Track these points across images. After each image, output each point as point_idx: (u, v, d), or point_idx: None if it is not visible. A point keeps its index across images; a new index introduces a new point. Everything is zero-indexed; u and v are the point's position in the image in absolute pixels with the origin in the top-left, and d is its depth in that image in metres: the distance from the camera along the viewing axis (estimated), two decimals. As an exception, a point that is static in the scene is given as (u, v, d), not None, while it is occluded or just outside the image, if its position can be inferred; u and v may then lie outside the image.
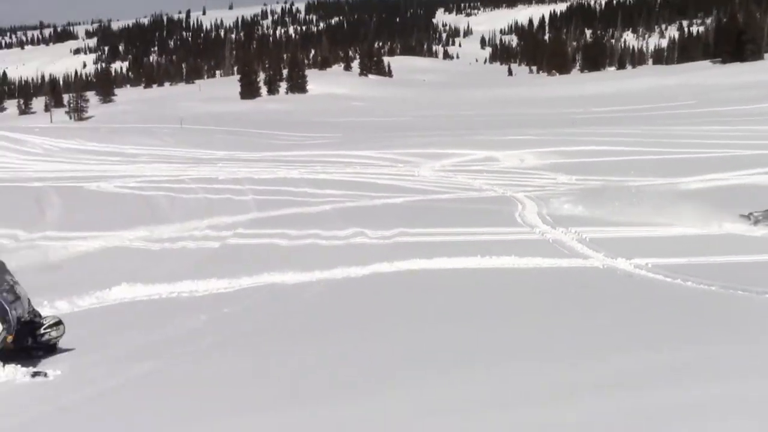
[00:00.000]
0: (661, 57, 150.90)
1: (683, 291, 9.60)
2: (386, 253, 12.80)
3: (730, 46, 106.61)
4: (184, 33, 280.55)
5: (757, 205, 15.02)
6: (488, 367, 6.55)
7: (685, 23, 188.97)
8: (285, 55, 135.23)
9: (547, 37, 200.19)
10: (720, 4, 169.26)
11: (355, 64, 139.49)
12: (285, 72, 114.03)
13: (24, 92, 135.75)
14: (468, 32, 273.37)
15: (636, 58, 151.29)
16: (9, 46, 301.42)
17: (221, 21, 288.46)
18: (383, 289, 10.51)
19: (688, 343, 7.10)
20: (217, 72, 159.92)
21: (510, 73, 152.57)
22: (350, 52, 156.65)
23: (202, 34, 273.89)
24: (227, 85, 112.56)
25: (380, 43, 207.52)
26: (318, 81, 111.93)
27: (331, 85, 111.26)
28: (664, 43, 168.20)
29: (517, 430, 5.02)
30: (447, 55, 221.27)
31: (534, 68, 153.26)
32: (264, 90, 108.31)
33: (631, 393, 5.58)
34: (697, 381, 5.82)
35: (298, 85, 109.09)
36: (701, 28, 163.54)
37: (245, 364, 7.09)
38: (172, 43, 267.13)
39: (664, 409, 5.12)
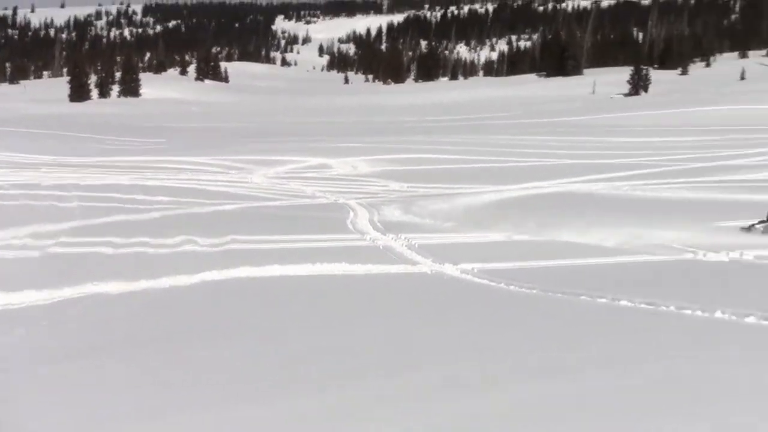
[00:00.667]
0: (491, 69, 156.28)
1: (507, 294, 9.81)
2: (216, 261, 12.45)
3: (554, 61, 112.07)
4: (9, 30, 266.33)
5: (573, 210, 15.73)
6: (326, 378, 6.45)
7: (513, 38, 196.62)
8: (119, 58, 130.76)
9: (384, 46, 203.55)
10: (545, 23, 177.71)
11: (192, 69, 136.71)
12: (118, 75, 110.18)
13: None
14: (307, 40, 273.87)
15: (468, 70, 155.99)
16: None
17: (51, 20, 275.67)
18: (212, 299, 10.17)
19: (516, 346, 7.22)
20: (45, 73, 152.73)
21: (347, 81, 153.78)
22: (187, 57, 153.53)
23: (29, 33, 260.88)
24: (55, 86, 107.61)
25: (218, 49, 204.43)
26: (152, 85, 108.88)
27: (166, 89, 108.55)
28: (495, 56, 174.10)
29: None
30: (285, 62, 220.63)
31: (370, 77, 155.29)
32: (95, 93, 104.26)
33: (467, 395, 5.61)
34: (535, 381, 5.91)
35: (131, 89, 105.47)
36: (528, 44, 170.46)
37: (60, 381, 6.73)
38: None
39: (497, 411, 5.17)
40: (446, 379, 6.23)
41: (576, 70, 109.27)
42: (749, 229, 14.48)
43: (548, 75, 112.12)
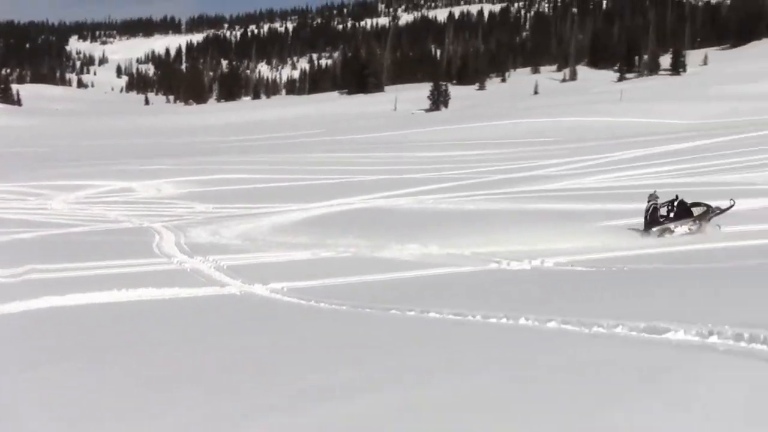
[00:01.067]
0: (293, 87, 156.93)
1: (317, 312, 9.82)
2: (15, 292, 11.75)
3: (355, 78, 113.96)
4: None
5: (379, 225, 16.03)
6: (135, 409, 6.19)
7: (314, 56, 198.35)
8: None
9: (184, 66, 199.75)
10: (345, 40, 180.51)
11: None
12: None
13: None
14: (103, 60, 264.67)
15: (270, 89, 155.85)
16: None
17: None
18: (12, 331, 9.58)
19: (325, 363, 7.21)
20: None
21: (147, 102, 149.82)
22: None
23: None
24: None
25: (8, 70, 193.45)
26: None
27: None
28: (296, 74, 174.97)
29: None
30: (81, 84, 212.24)
31: (171, 98, 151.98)
32: None
33: (285, 415, 5.54)
34: (345, 397, 5.91)
35: None
36: (329, 62, 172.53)
37: None
38: None
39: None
40: (258, 403, 6.15)
41: (377, 87, 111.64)
42: (647, 231, 15.25)
43: (350, 92, 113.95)
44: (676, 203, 15.50)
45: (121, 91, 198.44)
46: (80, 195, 27.25)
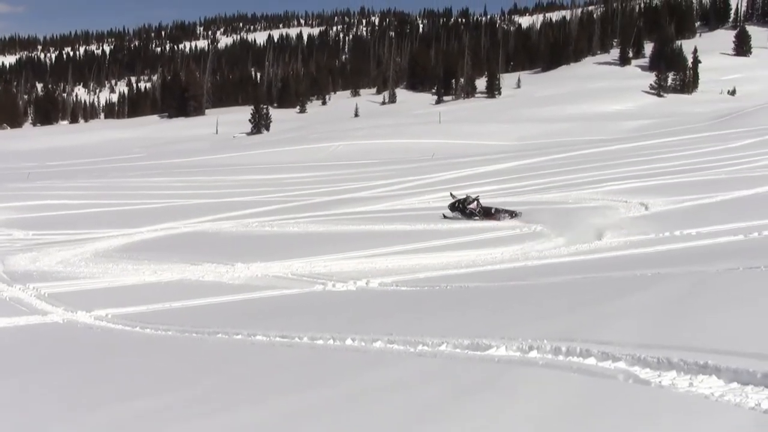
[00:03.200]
0: (112, 111, 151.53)
1: (143, 338, 9.66)
2: None
3: (176, 101, 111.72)
4: None
5: (203, 250, 15.93)
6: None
7: (133, 79, 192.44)
8: None
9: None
10: (164, 63, 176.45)
11: None
12: None
13: None
14: None
15: (88, 112, 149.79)
16: None
17: None
18: None
19: (148, 390, 7.09)
20: None
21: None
22: None
23: None
24: None
25: None
26: None
27: None
28: (115, 97, 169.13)
29: None
30: None
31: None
32: None
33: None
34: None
35: None
36: (149, 85, 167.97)
37: None
38: None
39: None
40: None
41: (198, 111, 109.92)
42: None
43: (170, 116, 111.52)
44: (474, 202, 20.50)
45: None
46: None
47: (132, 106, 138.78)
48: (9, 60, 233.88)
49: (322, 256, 15.32)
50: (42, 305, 12.23)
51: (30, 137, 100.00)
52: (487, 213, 20.21)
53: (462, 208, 20.40)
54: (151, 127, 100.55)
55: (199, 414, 5.86)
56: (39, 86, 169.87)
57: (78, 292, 13.29)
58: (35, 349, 9.58)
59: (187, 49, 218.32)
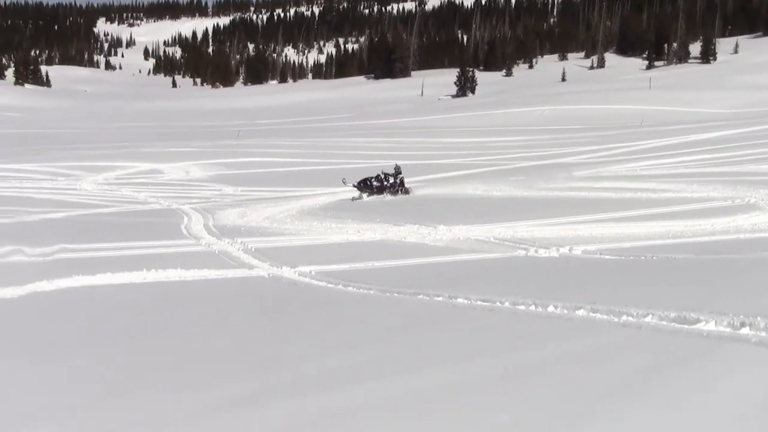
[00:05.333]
0: (320, 71, 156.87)
1: (345, 296, 9.86)
2: (46, 271, 11.94)
3: (382, 63, 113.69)
4: None
5: (409, 211, 16.04)
6: (163, 383, 6.26)
7: (341, 41, 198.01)
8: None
9: (210, 49, 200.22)
10: (372, 25, 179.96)
11: (10, 72, 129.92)
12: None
13: None
14: (131, 43, 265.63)
15: (296, 73, 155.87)
16: None
17: None
18: (43, 310, 9.72)
19: (353, 344, 7.26)
20: None
21: (174, 84, 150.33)
22: (4, 60, 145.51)
23: None
24: None
25: (37, 52, 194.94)
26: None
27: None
28: (323, 58, 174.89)
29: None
30: (109, 66, 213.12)
31: (198, 80, 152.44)
32: None
33: (309, 397, 5.58)
34: (368, 381, 5.94)
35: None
36: (356, 46, 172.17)
37: None
38: None
39: (338, 410, 5.17)
40: (271, 386, 6.18)
41: (404, 72, 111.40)
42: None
43: (376, 77, 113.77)
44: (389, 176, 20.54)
45: (149, 73, 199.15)
46: (109, 176, 27.51)
47: (339, 67, 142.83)
48: (223, 21, 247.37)
49: (525, 221, 15.14)
50: (249, 259, 12.77)
51: (241, 96, 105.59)
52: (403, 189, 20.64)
53: (380, 184, 20.28)
54: (357, 88, 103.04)
55: (390, 373, 5.87)
56: (250, 47, 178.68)
57: (283, 248, 13.77)
58: (242, 300, 10.00)
59: (395, 11, 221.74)
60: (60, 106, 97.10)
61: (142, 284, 11.11)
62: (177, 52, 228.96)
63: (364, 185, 20.19)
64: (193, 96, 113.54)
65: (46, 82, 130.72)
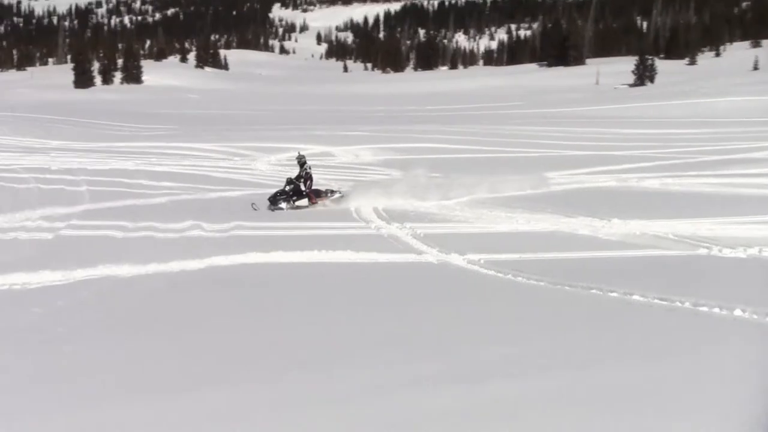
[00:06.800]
0: (491, 58, 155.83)
1: (514, 286, 9.82)
2: (222, 247, 12.60)
3: (555, 50, 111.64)
4: (14, 18, 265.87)
5: (580, 203, 15.76)
6: (341, 360, 6.52)
7: (513, 27, 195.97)
8: (120, 45, 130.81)
9: (381, 35, 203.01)
10: (545, 11, 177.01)
11: (192, 56, 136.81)
12: (120, 62, 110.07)
13: None
14: (304, 28, 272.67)
15: (467, 59, 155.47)
16: None
17: (54, 8, 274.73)
18: (220, 283, 10.33)
19: (521, 337, 7.25)
20: (50, 60, 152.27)
21: (346, 69, 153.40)
22: (186, 44, 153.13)
23: (33, 20, 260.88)
24: (60, 73, 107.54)
25: (217, 36, 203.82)
26: (154, 72, 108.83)
27: (166, 76, 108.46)
28: (494, 45, 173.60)
29: (380, 422, 4.96)
30: (283, 50, 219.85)
31: (369, 65, 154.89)
32: (98, 79, 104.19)
33: (472, 385, 5.64)
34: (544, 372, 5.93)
35: (133, 76, 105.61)
36: (528, 33, 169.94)
37: (79, 359, 6.87)
38: (2, 28, 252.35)
39: (510, 399, 5.19)
40: (444, 371, 6.23)
41: (578, 60, 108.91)
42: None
43: (549, 65, 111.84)
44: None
45: (321, 57, 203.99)
46: (282, 157, 28.46)
47: (510, 54, 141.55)
48: (394, 7, 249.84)
49: (708, 218, 14.53)
50: (417, 244, 12.94)
51: (411, 81, 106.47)
52: (318, 194, 18.73)
53: (292, 191, 18.29)
54: (529, 75, 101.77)
55: (562, 366, 5.84)
56: (421, 33, 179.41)
57: (451, 235, 13.86)
58: (411, 285, 10.17)
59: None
60: (237, 89, 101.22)
61: (313, 264, 11.49)
62: (349, 37, 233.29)
63: (273, 199, 18.26)
64: (364, 81, 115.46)
65: (224, 66, 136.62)
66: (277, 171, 24.85)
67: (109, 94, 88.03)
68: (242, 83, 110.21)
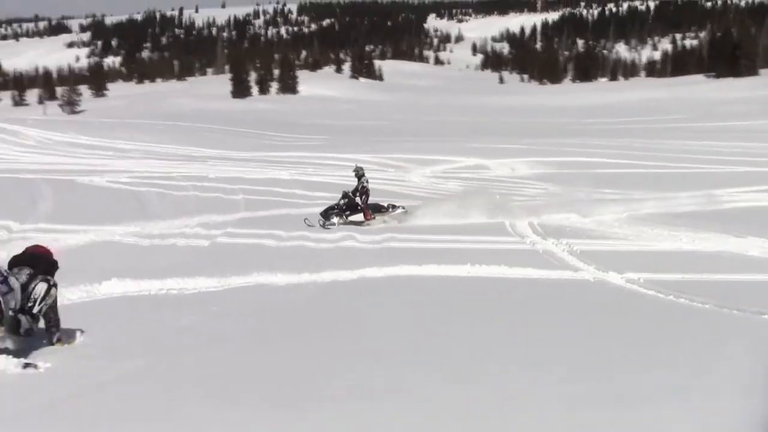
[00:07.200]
0: (653, 69, 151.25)
1: (676, 308, 9.46)
2: (375, 258, 12.76)
3: (725, 60, 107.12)
4: (176, 30, 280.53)
5: (756, 224, 15.11)
6: (487, 376, 6.49)
7: (678, 36, 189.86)
8: (276, 56, 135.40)
9: (538, 45, 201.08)
10: (714, 19, 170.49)
11: (347, 67, 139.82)
12: (276, 72, 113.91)
13: (18, 84, 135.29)
14: (459, 38, 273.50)
15: (628, 70, 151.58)
16: (4, 37, 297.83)
17: (213, 19, 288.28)
18: (372, 294, 10.44)
19: (681, 363, 6.98)
20: (209, 70, 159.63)
21: (501, 80, 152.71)
22: (341, 55, 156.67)
23: (194, 32, 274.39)
24: (218, 83, 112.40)
25: (371, 47, 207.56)
26: (309, 82, 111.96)
27: (321, 87, 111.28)
28: (657, 55, 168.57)
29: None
30: (438, 61, 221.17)
31: (525, 77, 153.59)
32: (255, 89, 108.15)
33: (627, 409, 5.48)
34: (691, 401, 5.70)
35: (289, 86, 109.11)
36: (695, 42, 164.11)
37: (231, 364, 7.04)
38: (164, 39, 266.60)
39: (658, 426, 5.02)
40: (615, 389, 6.08)
41: (750, 70, 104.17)
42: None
43: (718, 75, 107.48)
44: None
45: (476, 68, 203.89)
46: (436, 169, 28.60)
47: (675, 64, 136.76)
48: (552, 17, 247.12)
49: None
50: (573, 261, 12.67)
51: (569, 93, 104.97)
52: (377, 209, 17.89)
53: (346, 205, 17.59)
54: (695, 86, 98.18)
55: (731, 398, 5.54)
56: (579, 43, 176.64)
57: (609, 252, 13.51)
58: (565, 303, 9.95)
59: (742, 3, 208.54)
60: (391, 100, 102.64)
61: (466, 278, 11.44)
62: (505, 47, 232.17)
63: (325, 214, 17.65)
64: (520, 92, 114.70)
65: (378, 76, 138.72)
66: (431, 183, 24.96)
67: (265, 104, 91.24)
68: (396, 94, 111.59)
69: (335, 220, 17.29)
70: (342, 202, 17.70)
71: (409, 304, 9.79)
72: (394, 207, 18.12)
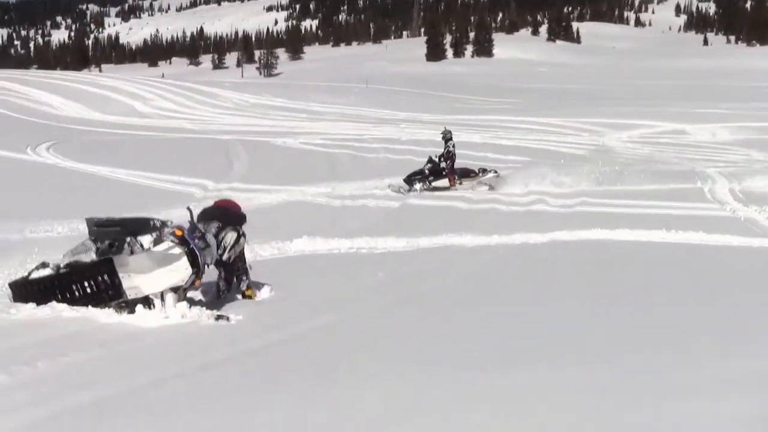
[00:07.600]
0: None
1: None
2: (566, 222, 12.79)
3: None
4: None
5: None
6: (688, 352, 5.97)
7: None
8: (472, 18, 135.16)
9: (748, 4, 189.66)
10: None
11: (543, 29, 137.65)
12: (471, 35, 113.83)
13: (218, 47, 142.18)
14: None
15: None
16: (207, 2, 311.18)
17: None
18: (563, 258, 10.37)
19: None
20: (404, 33, 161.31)
21: (706, 42, 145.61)
22: (538, 17, 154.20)
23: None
24: (413, 46, 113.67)
25: (569, 8, 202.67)
26: (504, 45, 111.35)
27: (516, 50, 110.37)
28: None
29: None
30: (639, 23, 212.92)
31: (732, 38, 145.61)
32: (450, 52, 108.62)
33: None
34: None
35: (484, 49, 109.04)
36: None
37: (417, 325, 6.91)
38: (361, 2, 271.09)
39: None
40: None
41: None
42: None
43: None
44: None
45: (679, 30, 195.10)
46: (632, 134, 28.04)
47: None
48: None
49: None
50: (778, 229, 12.24)
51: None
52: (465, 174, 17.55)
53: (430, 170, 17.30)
54: None
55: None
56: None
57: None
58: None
59: None
60: (587, 63, 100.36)
61: (660, 243, 11.26)
62: (711, 7, 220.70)
63: (408, 180, 17.34)
64: (726, 55, 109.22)
65: (576, 39, 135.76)
66: (627, 148, 24.51)
67: (460, 67, 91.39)
68: (593, 57, 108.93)
69: (418, 186, 17.11)
70: (427, 167, 17.55)
71: (601, 267, 9.71)
72: (485, 171, 17.80)
